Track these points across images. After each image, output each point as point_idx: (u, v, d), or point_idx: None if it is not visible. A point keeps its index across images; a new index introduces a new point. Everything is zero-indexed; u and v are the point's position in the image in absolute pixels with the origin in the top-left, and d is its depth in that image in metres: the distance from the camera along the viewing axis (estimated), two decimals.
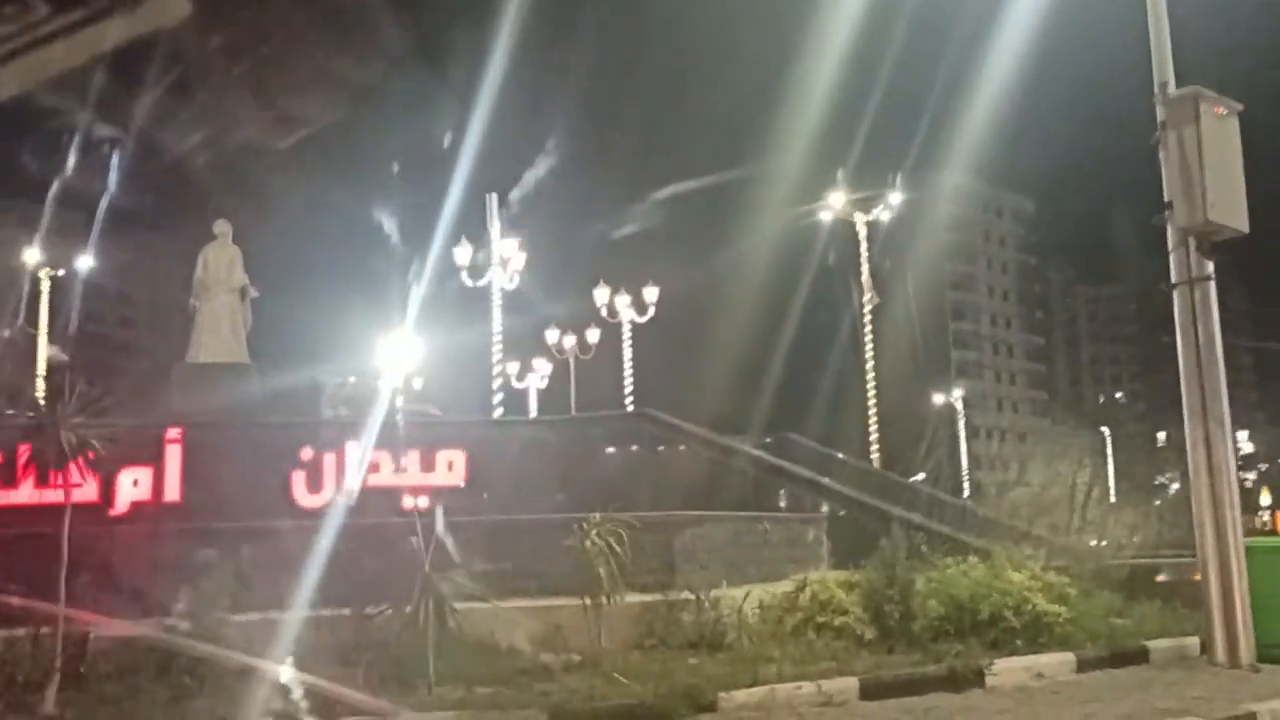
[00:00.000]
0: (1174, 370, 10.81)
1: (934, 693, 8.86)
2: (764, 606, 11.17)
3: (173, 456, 13.42)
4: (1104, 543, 15.11)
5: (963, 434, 57.42)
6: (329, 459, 14.56)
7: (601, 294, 23.14)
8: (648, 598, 10.75)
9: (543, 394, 28.59)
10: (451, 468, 15.24)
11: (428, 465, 15.17)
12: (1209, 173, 10.50)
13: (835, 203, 27.13)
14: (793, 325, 35.62)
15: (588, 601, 9.85)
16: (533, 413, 27.68)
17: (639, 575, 10.72)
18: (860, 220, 24.53)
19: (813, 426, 32.38)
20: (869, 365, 25.08)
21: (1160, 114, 10.81)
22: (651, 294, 22.96)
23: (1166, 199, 10.75)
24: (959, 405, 58.18)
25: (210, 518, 11.80)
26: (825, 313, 36.80)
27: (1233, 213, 10.72)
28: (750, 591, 11.29)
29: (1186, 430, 10.76)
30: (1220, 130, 10.67)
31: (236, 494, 12.51)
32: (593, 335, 25.33)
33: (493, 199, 17.83)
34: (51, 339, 29.22)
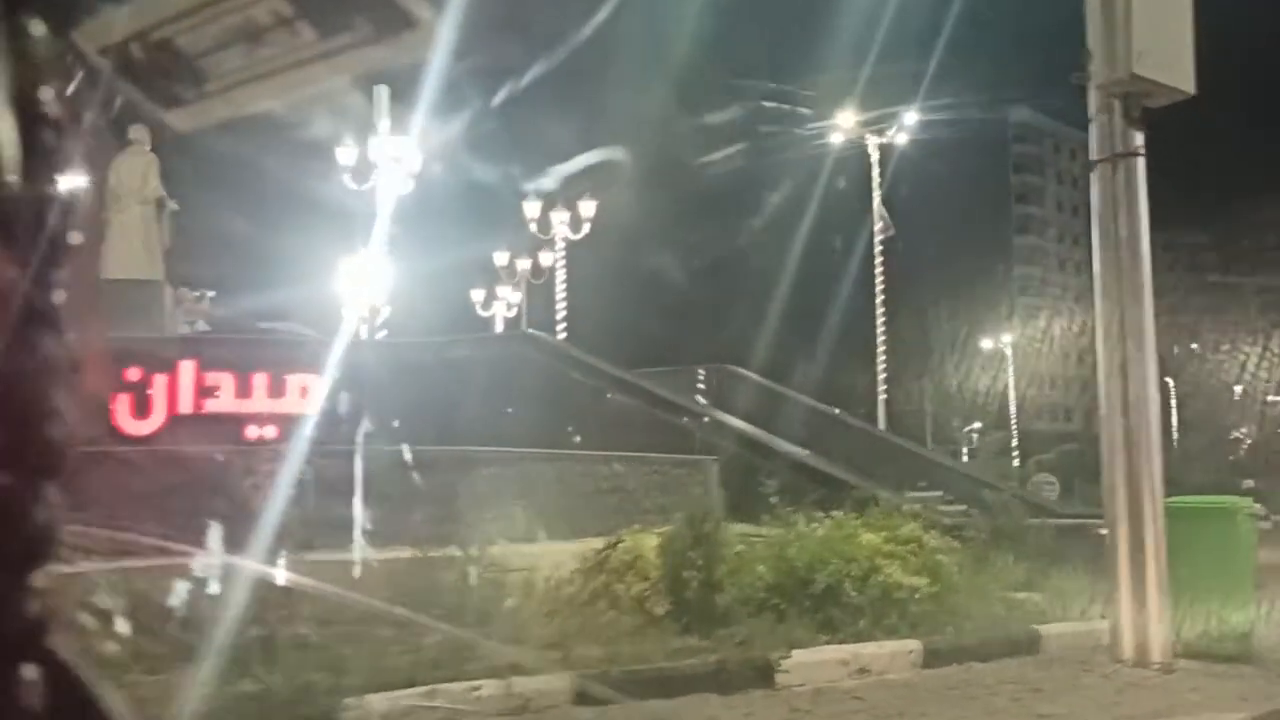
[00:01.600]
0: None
1: (690, 695, 6.56)
2: (574, 571, 8.96)
3: None
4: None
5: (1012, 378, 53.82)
6: (160, 381, 12.86)
7: (532, 208, 20.58)
8: (407, 554, 8.60)
9: (512, 324, 26.45)
10: (305, 394, 13.36)
11: (276, 391, 13.36)
12: (1138, 13, 7.81)
13: (844, 123, 24.67)
14: (799, 258, 32.68)
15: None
16: None
17: (412, 524, 8.70)
18: (873, 143, 22.45)
19: (816, 366, 29.84)
20: (879, 300, 22.97)
21: None
22: (588, 209, 20.36)
23: (1087, 46, 8.09)
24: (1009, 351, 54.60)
25: None
26: (838, 245, 33.77)
27: (1171, 67, 8.02)
28: (552, 550, 9.08)
29: (1099, 354, 8.23)
30: None
31: None
32: (546, 258, 23.00)
33: (383, 90, 15.57)
34: None
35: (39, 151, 0.55)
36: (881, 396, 24.50)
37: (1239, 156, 70.78)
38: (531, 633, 7.70)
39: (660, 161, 31.72)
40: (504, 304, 27.15)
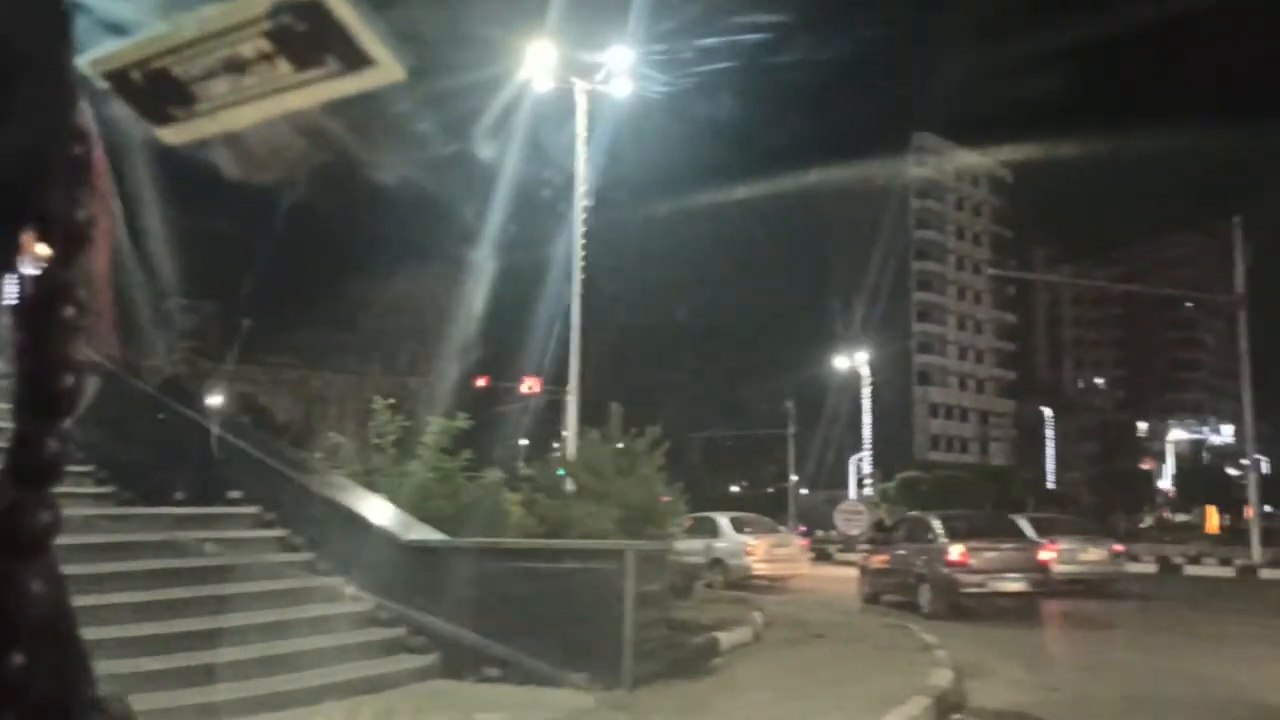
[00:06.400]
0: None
1: None
2: None
3: None
4: None
5: (868, 403, 52.43)
6: None
7: None
8: None
9: None
10: None
11: None
12: None
13: (543, 61, 18.16)
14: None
15: None
16: None
17: None
18: (580, 89, 18.70)
19: None
20: (577, 284, 18.95)
21: None
22: None
23: None
24: (865, 370, 53.24)
25: None
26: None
27: None
28: None
29: None
30: None
31: None
32: None
33: None
34: None
35: (72, 162, 0.74)
36: None
37: None
38: None
39: None
40: None
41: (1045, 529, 18.41)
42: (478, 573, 8.43)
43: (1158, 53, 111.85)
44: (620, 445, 10.71)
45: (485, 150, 20.29)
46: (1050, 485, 69.03)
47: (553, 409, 55.28)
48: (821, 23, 74.54)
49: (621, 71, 18.25)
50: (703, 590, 14.70)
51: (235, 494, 9.35)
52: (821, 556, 33.09)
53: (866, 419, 53.33)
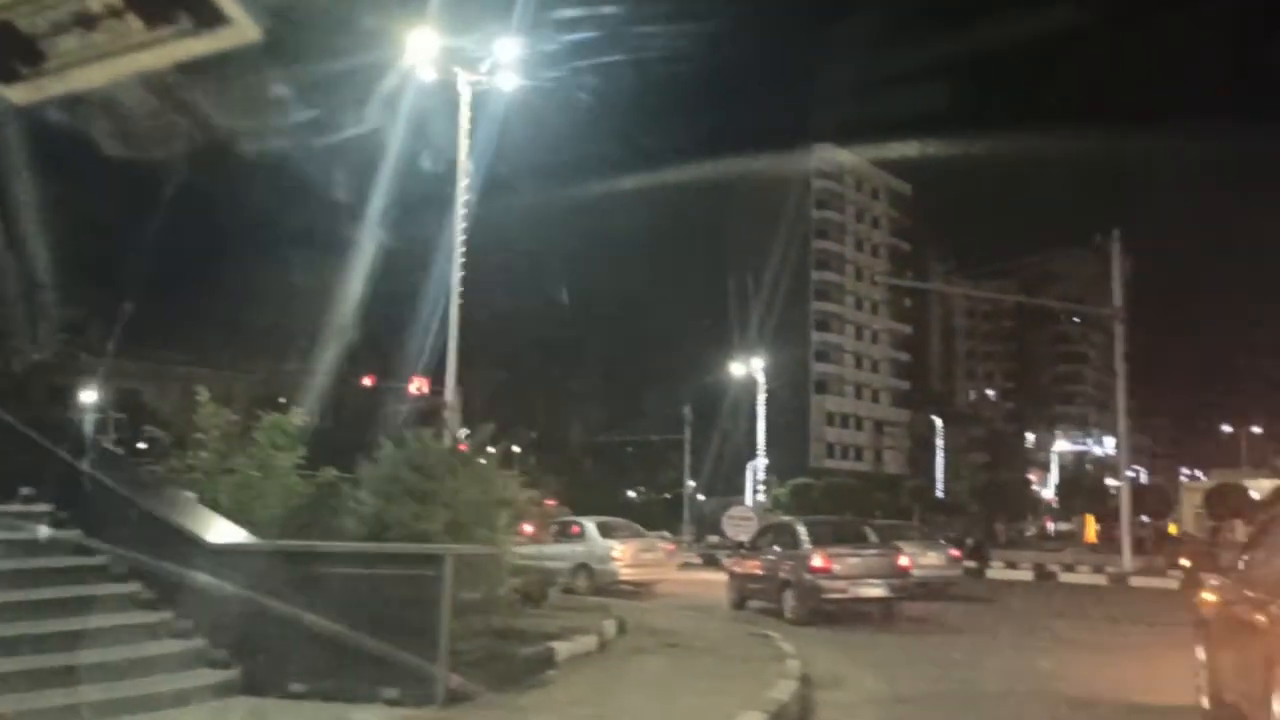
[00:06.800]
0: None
1: None
2: None
3: None
4: None
5: (763, 410, 52.62)
6: None
7: None
8: None
9: None
10: None
11: None
12: None
13: (424, 50, 17.31)
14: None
15: None
16: None
17: None
18: (464, 79, 17.50)
19: None
20: (456, 280, 18.37)
21: None
22: None
23: None
24: (760, 377, 53.42)
25: None
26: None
27: None
28: None
29: None
30: None
31: None
32: None
33: None
34: None
35: None
36: None
37: None
38: None
39: None
40: None
41: (886, 535, 18.56)
42: (288, 579, 7.78)
43: (1049, 67, 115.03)
44: (464, 442, 10.14)
45: (373, 141, 19.49)
46: (940, 494, 70.28)
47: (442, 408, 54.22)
48: (721, 27, 74.86)
49: (508, 64, 17.66)
50: (560, 597, 14.22)
51: (27, 490, 8.53)
52: (710, 562, 32.98)
53: (761, 426, 53.46)
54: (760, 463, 57.60)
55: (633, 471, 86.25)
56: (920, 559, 19.12)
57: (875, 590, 14.90)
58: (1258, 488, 40.71)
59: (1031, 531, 66.63)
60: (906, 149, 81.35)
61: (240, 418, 11.04)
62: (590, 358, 79.75)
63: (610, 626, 11.20)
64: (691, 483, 71.57)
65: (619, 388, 75.72)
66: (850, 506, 63.56)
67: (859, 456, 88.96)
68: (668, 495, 73.05)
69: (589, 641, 9.86)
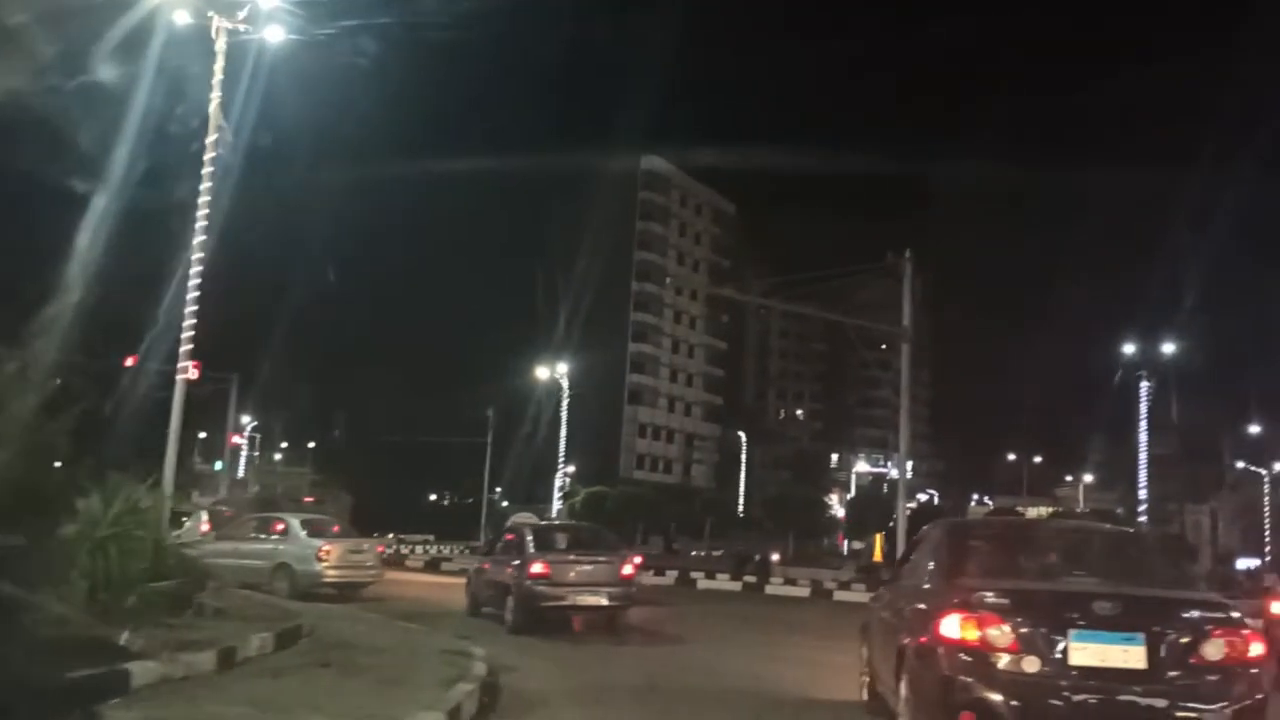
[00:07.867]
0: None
1: None
2: None
3: None
4: None
5: (565, 415, 51.52)
6: None
7: None
8: None
9: None
10: None
11: None
12: None
13: None
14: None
15: None
16: None
17: None
18: (218, 25, 15.67)
19: None
20: (199, 241, 15.77)
21: None
22: None
23: None
24: (564, 382, 52.32)
25: None
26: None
27: None
28: None
29: None
30: None
31: None
32: None
33: None
34: None
35: None
36: None
37: None
38: None
39: None
40: None
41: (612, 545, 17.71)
42: None
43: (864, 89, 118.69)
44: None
45: (120, 90, 17.05)
46: (740, 509, 70.78)
47: (221, 397, 50.46)
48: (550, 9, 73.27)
49: (269, 13, 15.62)
50: (243, 602, 12.38)
51: None
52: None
53: (564, 432, 52.26)
54: (565, 470, 56.43)
55: (439, 475, 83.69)
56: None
57: (594, 599, 14.25)
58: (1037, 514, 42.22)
59: (827, 547, 67.78)
60: (733, 163, 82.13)
61: None
62: (393, 351, 76.95)
63: (263, 639, 9.53)
64: (499, 489, 69.78)
65: (422, 386, 73.19)
66: (644, 517, 63.23)
67: (669, 469, 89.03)
68: (471, 500, 71.02)
69: (204, 659, 8.14)
